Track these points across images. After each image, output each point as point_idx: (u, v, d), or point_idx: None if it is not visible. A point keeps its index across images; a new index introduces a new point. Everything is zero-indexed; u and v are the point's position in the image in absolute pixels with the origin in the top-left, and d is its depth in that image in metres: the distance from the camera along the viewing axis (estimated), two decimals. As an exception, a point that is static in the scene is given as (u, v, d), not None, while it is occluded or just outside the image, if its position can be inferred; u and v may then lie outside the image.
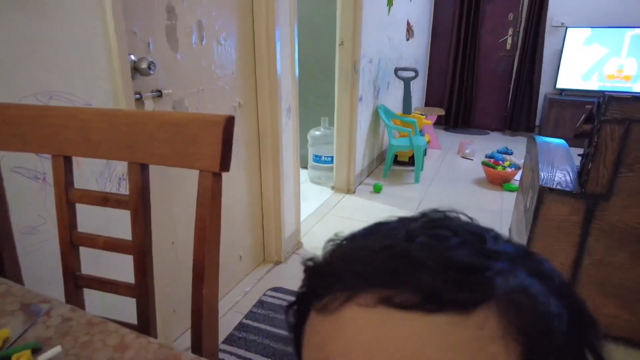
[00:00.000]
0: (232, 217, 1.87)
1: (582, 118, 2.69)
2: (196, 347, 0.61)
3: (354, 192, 3.14)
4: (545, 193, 1.62)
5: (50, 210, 1.03)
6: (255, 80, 1.91)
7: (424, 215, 0.29)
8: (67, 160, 0.67)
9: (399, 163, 3.75)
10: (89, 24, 1.10)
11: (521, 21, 4.81)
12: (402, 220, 0.29)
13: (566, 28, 4.53)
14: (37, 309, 0.54)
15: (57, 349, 0.46)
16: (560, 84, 4.60)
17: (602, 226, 1.57)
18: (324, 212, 2.80)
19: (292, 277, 2.04)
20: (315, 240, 2.40)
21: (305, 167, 3.39)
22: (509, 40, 4.94)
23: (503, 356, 0.21)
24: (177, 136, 0.59)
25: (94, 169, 1.14)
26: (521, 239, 1.88)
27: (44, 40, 0.98)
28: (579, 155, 1.77)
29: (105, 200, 0.66)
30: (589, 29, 4.41)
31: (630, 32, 4.27)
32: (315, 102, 3.35)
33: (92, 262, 0.90)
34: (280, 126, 1.97)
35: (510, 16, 4.87)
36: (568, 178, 1.67)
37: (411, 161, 3.64)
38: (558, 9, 4.65)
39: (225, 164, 0.57)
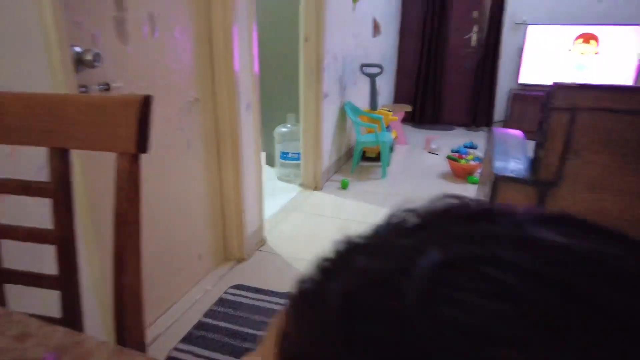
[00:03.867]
0: (190, 214, 1.83)
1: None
2: (120, 338, 0.59)
3: (322, 189, 3.14)
4: (499, 181, 1.65)
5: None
6: (213, 75, 1.88)
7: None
8: (-18, 148, 0.64)
9: (368, 159, 3.77)
10: (25, 13, 1.06)
11: (485, 18, 4.92)
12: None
13: (527, 25, 4.66)
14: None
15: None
16: (522, 79, 4.73)
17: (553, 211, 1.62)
18: (291, 209, 2.79)
19: (255, 274, 2.02)
20: (281, 237, 2.39)
21: (273, 165, 3.37)
22: (474, 37, 5.05)
23: None
24: (97, 119, 0.57)
25: (33, 162, 1.09)
26: (481, 228, 1.92)
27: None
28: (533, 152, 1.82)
29: (26, 188, 0.63)
30: (549, 26, 4.55)
31: (586, 28, 4.43)
32: (281, 99, 3.33)
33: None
34: (240, 122, 1.95)
35: (475, 14, 4.98)
36: (521, 166, 1.71)
37: (379, 157, 3.67)
38: (519, 7, 4.78)
39: (142, 145, 0.55)
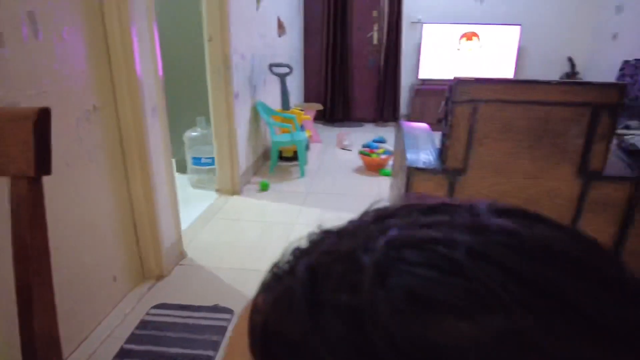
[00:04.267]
0: (99, 234, 1.66)
1: (442, 104, 2.95)
2: (32, 392, 0.50)
3: (240, 193, 3.05)
4: (412, 172, 1.74)
5: None
6: (113, 80, 1.72)
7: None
8: None
9: (284, 159, 3.75)
10: None
11: (384, 17, 5.16)
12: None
13: (422, 24, 4.99)
14: None
15: None
16: (422, 75, 5.05)
17: (462, 197, 1.74)
18: (209, 216, 2.67)
19: (178, 290, 1.90)
20: (202, 248, 2.28)
21: (185, 171, 3.20)
22: (375, 36, 5.28)
23: None
24: (-25, 138, 0.47)
25: None
26: (399, 218, 2.01)
27: None
28: (441, 137, 1.94)
29: None
30: (441, 25, 4.92)
31: (470, 27, 4.87)
32: (188, 102, 3.18)
33: None
34: (146, 128, 1.81)
35: (375, 13, 5.20)
36: (431, 157, 1.82)
37: (296, 156, 3.67)
38: (414, 6, 5.09)
39: (43, 166, 0.47)
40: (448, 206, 0.21)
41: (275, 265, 0.23)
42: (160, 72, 1.96)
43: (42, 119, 0.46)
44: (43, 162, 0.47)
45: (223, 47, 2.73)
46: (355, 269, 0.17)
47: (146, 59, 1.84)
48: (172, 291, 1.89)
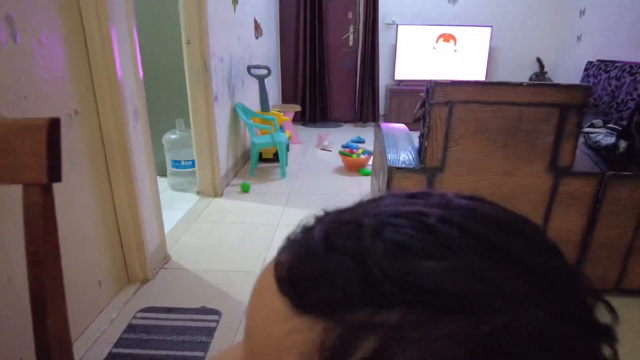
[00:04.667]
0: (82, 239, 1.65)
1: (418, 104, 3.03)
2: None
3: (222, 195, 3.06)
4: (393, 172, 1.80)
5: None
6: (93, 84, 1.71)
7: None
8: None
9: (265, 160, 3.77)
10: None
11: (359, 19, 5.23)
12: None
13: (397, 25, 5.08)
14: None
15: None
16: (397, 76, 5.15)
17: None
18: (191, 219, 2.67)
19: (163, 294, 1.90)
20: (185, 251, 2.28)
21: (164, 174, 3.18)
22: (351, 37, 5.34)
23: (297, 348, 0.22)
24: (-14, 148, 0.49)
25: None
26: (380, 216, 2.06)
27: None
28: (418, 137, 2.01)
29: None
30: (415, 26, 5.02)
31: (444, 29, 4.99)
32: (167, 104, 3.16)
33: None
34: (128, 131, 1.81)
35: (350, 14, 5.27)
36: (411, 157, 1.88)
37: (276, 158, 3.69)
38: (389, 8, 5.18)
39: (54, 174, 0.49)
40: (425, 193, 0.28)
41: (289, 236, 0.28)
42: (141, 75, 1.95)
43: (53, 128, 0.48)
44: (54, 170, 0.49)
45: (201, 49, 2.73)
46: (358, 228, 0.24)
47: (126, 61, 1.83)
48: (157, 294, 1.89)
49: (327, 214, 0.28)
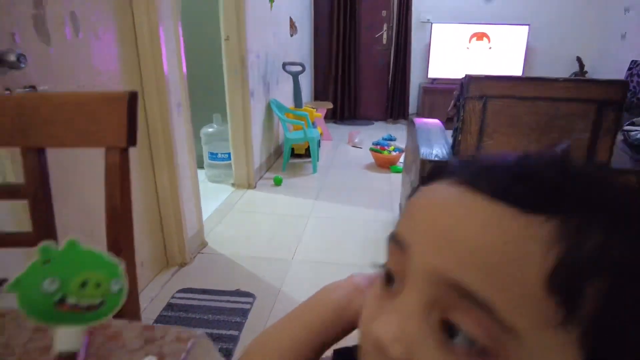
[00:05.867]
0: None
1: (452, 103, 3.03)
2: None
3: (255, 187, 3.15)
4: (426, 165, 1.83)
5: None
6: (141, 77, 1.83)
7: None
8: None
9: (296, 156, 3.85)
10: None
11: (393, 17, 5.24)
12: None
13: (431, 24, 5.06)
14: None
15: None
16: (431, 74, 5.13)
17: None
18: (227, 209, 2.77)
19: (200, 277, 2.00)
20: (221, 238, 2.38)
21: (201, 166, 3.31)
22: (385, 35, 5.36)
23: (535, 258, 0.23)
24: (77, 116, 0.57)
25: None
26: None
27: None
28: (452, 133, 2.03)
29: (-8, 193, 0.60)
30: (450, 24, 4.99)
31: (479, 27, 4.94)
32: (205, 99, 3.28)
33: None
34: (172, 122, 1.91)
35: (384, 13, 5.28)
36: (444, 151, 1.90)
37: (307, 153, 3.76)
38: (423, 7, 5.17)
39: (132, 139, 0.56)
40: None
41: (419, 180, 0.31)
42: (185, 70, 2.06)
43: (133, 99, 0.56)
44: (132, 136, 0.56)
45: (239, 46, 2.82)
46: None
47: (172, 57, 1.94)
48: (195, 277, 1.99)
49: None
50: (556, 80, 1.69)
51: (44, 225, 0.60)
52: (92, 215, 1.43)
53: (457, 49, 5.03)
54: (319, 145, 3.85)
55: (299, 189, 3.19)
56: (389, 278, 0.29)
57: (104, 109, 0.56)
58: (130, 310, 0.60)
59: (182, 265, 2.06)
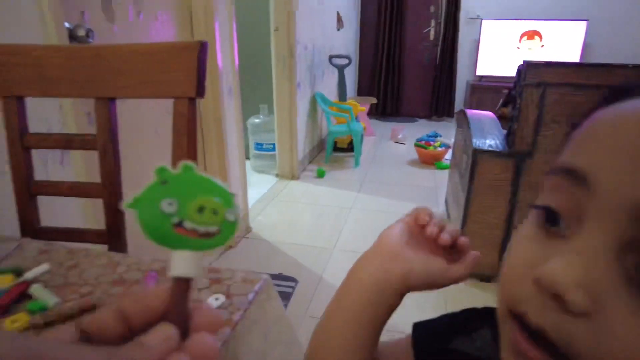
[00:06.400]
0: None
1: (500, 102, 2.92)
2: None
3: (298, 178, 3.17)
4: (478, 155, 1.76)
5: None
6: (195, 60, 1.87)
7: None
8: (20, 102, 0.63)
9: (338, 149, 3.83)
10: (17, -15, 1.02)
11: (441, 13, 5.12)
12: None
13: (481, 20, 4.90)
14: (6, 246, 0.51)
15: (44, 267, 0.44)
16: (479, 71, 4.97)
17: (529, 181, 1.74)
18: (270, 198, 2.80)
19: (244, 260, 2.03)
20: (265, 225, 2.40)
21: (247, 157, 3.36)
22: (432, 32, 5.25)
23: None
24: (147, 66, 0.58)
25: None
26: (459, 204, 2.03)
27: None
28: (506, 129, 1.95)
29: (68, 142, 0.62)
30: (501, 21, 4.82)
31: (532, 24, 4.73)
32: (252, 90, 3.33)
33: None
34: (223, 108, 1.95)
35: (432, 8, 5.17)
36: (497, 141, 1.83)
37: (350, 147, 3.74)
38: (473, 2, 5.02)
39: (201, 89, 0.57)
40: None
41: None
42: (237, 61, 2.09)
43: (203, 50, 0.56)
44: (201, 86, 0.57)
45: (288, 37, 2.84)
46: None
47: (225, 46, 1.97)
48: (239, 260, 2.02)
49: None
50: (624, 66, 1.58)
51: (110, 177, 0.62)
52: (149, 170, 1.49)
53: (507, 46, 4.84)
54: (361, 140, 3.82)
55: (342, 181, 3.17)
56: (549, 218, 0.25)
57: (175, 59, 0.57)
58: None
59: (228, 247, 2.10)
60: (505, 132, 1.88)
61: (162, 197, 0.23)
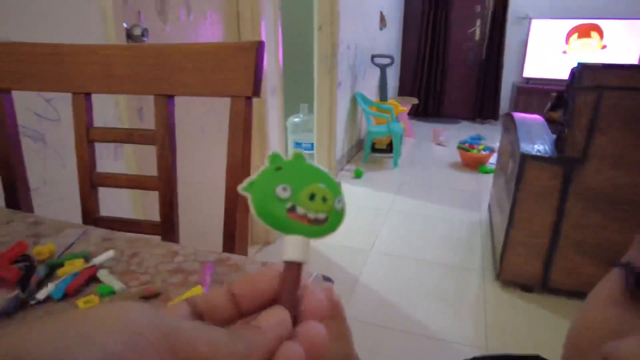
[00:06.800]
0: (219, 197, 1.86)
1: (548, 105, 2.80)
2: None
3: (336, 178, 3.17)
4: (526, 160, 1.70)
5: (49, 173, 1.01)
6: (241, 59, 1.91)
7: None
8: (88, 98, 0.66)
9: (377, 150, 3.81)
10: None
11: (488, 13, 4.98)
12: None
13: (530, 19, 4.73)
14: (75, 232, 0.54)
15: (110, 253, 0.47)
16: (527, 73, 4.79)
17: (578, 189, 1.67)
18: (308, 196, 2.82)
19: (281, 257, 2.05)
20: (302, 222, 2.42)
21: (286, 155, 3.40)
22: (477, 31, 5.11)
23: None
24: (206, 64, 0.60)
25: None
26: (503, 211, 1.97)
27: (38, 6, 0.95)
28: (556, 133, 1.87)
29: (129, 136, 0.66)
30: (552, 20, 4.62)
31: (587, 22, 4.51)
32: (293, 89, 3.36)
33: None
34: (266, 107, 1.98)
35: (478, 8, 5.04)
36: (546, 146, 1.76)
37: (388, 148, 3.71)
38: (522, 1, 4.84)
39: (257, 89, 0.58)
40: None
41: None
42: (281, 61, 2.12)
43: (261, 49, 0.57)
44: (257, 86, 0.58)
45: (331, 36, 2.85)
46: None
47: (270, 47, 2.01)
48: (276, 256, 2.05)
49: None
50: (691, 71, 1.48)
51: (167, 171, 0.64)
52: (203, 166, 1.55)
53: (557, 47, 4.64)
54: (401, 141, 3.78)
55: (379, 182, 3.15)
56: (639, 282, 0.22)
57: (233, 59, 0.58)
58: (241, 253, 0.63)
59: (266, 244, 2.13)
60: (554, 137, 1.81)
61: (276, 182, 0.24)
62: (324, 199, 0.24)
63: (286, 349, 0.19)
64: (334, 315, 0.28)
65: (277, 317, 0.20)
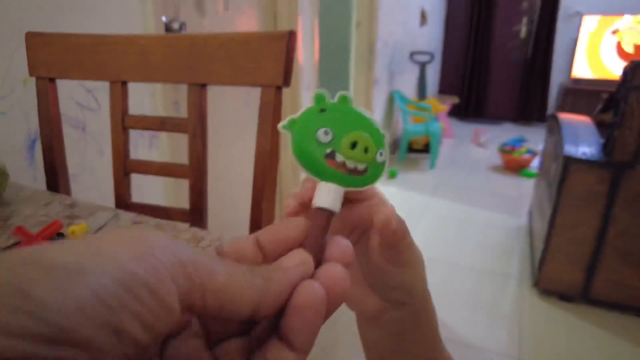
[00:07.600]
0: (248, 191, 1.88)
1: (599, 107, 2.67)
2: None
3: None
4: (570, 163, 1.62)
5: (88, 161, 1.05)
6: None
7: None
8: (124, 86, 0.68)
9: (413, 151, 3.74)
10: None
11: (535, 10, 4.78)
12: None
13: (581, 16, 4.50)
14: (107, 214, 0.56)
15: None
16: (576, 73, 4.57)
17: (627, 196, 1.57)
18: (341, 193, 2.81)
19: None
20: (334, 219, 2.41)
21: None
22: (523, 29, 4.92)
23: None
24: (238, 53, 0.60)
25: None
26: (544, 216, 1.88)
27: (83, 1, 0.99)
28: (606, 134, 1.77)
29: (162, 124, 0.67)
30: (606, 17, 4.38)
31: (646, 20, 4.23)
32: (328, 85, 3.35)
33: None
34: (300, 102, 1.98)
35: (525, 5, 4.85)
36: (593, 149, 1.66)
37: (425, 149, 3.64)
38: (573, -2, 4.62)
39: (287, 79, 0.58)
40: None
41: None
42: (317, 56, 2.12)
43: (292, 39, 0.57)
44: (287, 76, 0.58)
45: (370, 33, 2.82)
46: None
47: (307, 42, 2.01)
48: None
49: None
50: None
51: (198, 159, 0.65)
52: (234, 160, 1.58)
53: (610, 45, 4.38)
54: (439, 141, 3.70)
55: (414, 183, 3.09)
56: None
57: (264, 48, 0.58)
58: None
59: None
60: (603, 140, 1.71)
61: (319, 125, 0.23)
62: (366, 150, 0.23)
63: (305, 286, 0.19)
64: (394, 243, 0.27)
65: (298, 258, 0.20)
